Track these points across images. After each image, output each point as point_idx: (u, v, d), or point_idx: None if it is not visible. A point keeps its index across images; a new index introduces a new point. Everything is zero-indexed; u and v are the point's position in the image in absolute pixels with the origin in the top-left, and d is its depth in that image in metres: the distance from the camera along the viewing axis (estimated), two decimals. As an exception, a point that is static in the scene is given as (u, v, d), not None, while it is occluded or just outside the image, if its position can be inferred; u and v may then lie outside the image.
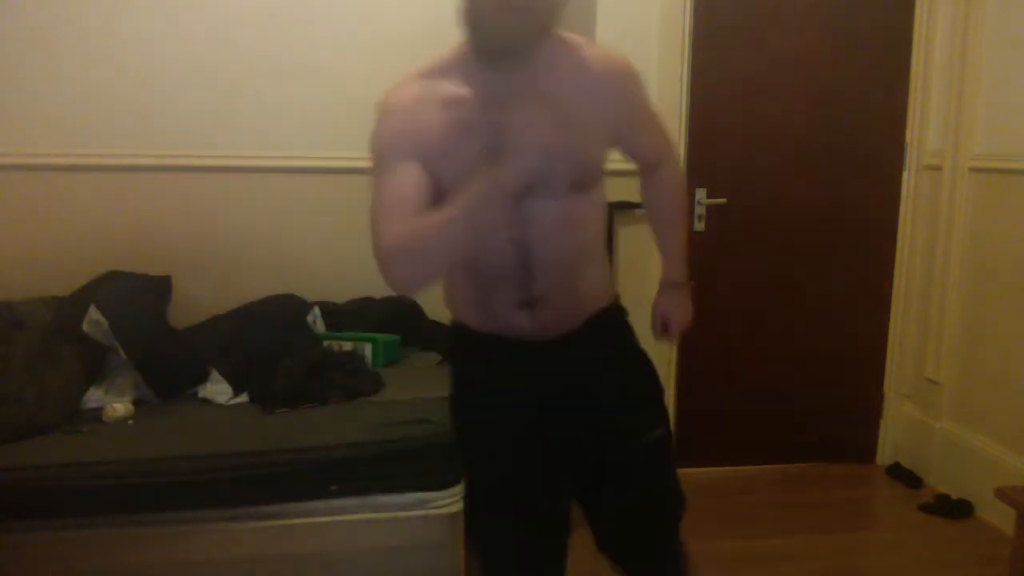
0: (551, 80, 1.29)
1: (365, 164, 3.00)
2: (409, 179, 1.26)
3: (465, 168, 1.23)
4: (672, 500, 1.51)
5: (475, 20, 1.24)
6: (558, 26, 1.29)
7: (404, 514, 2.04)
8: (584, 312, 1.42)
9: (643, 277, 1.61)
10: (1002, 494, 1.90)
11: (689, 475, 1.65)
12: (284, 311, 2.64)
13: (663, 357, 2.80)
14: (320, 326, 2.68)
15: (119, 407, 2.21)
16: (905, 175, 3.03)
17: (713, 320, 3.05)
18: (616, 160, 1.44)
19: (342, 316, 2.72)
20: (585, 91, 1.31)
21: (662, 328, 1.60)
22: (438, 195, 1.27)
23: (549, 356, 1.41)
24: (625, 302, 1.54)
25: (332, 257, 2.80)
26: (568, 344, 1.41)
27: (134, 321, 2.36)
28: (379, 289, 2.81)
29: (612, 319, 1.48)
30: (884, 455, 3.19)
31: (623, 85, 1.37)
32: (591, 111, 1.32)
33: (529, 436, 1.43)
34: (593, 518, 1.50)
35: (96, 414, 2.21)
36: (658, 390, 1.53)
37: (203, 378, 2.39)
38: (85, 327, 2.30)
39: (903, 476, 3.03)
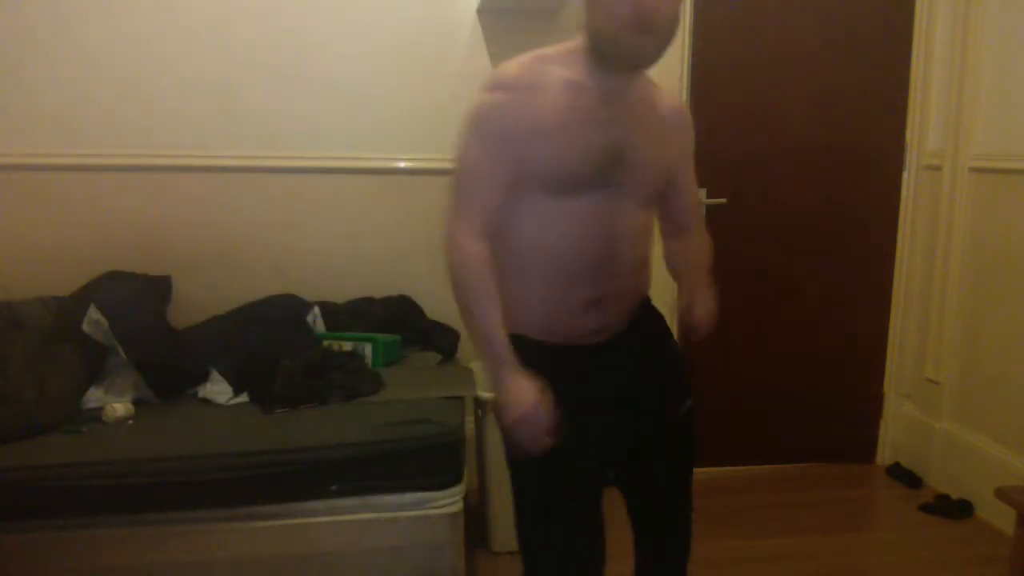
0: (647, 98, 1.42)
1: (365, 164, 3.00)
2: (499, 179, 1.32)
3: (580, 152, 1.31)
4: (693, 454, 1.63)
5: (607, 35, 1.29)
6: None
7: (404, 514, 2.04)
8: (633, 311, 1.52)
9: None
10: (1002, 494, 1.91)
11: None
12: (284, 311, 2.64)
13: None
14: (320, 326, 2.68)
15: (119, 407, 2.20)
16: (905, 175, 3.03)
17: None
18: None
19: (342, 316, 2.72)
20: (664, 116, 1.45)
21: (689, 327, 1.59)
22: (545, 171, 1.32)
23: (601, 357, 1.47)
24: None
25: (332, 257, 2.81)
26: (617, 343, 1.49)
27: (134, 321, 2.36)
28: (379, 289, 2.81)
29: (646, 311, 1.58)
30: (884, 455, 3.19)
31: (688, 121, 1.53)
32: (665, 135, 1.45)
33: (580, 439, 1.46)
34: (630, 487, 1.60)
35: (96, 414, 2.21)
36: (684, 362, 1.63)
37: (203, 378, 2.39)
38: (85, 327, 2.30)
39: (903, 476, 3.03)
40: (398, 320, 2.75)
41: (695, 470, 1.63)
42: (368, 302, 2.78)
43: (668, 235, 1.65)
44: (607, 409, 1.51)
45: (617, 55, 1.31)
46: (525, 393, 1.32)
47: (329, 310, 2.72)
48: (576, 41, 1.37)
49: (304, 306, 2.68)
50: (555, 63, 1.35)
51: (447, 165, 2.97)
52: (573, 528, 1.49)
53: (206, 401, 2.35)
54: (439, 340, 2.73)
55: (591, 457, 1.49)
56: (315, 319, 2.68)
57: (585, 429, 1.47)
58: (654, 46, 1.29)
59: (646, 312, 1.57)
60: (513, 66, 1.35)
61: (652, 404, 1.55)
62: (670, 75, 2.78)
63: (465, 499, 2.11)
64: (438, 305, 2.80)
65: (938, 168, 2.89)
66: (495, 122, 1.32)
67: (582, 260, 1.37)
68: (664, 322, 1.63)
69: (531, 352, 1.44)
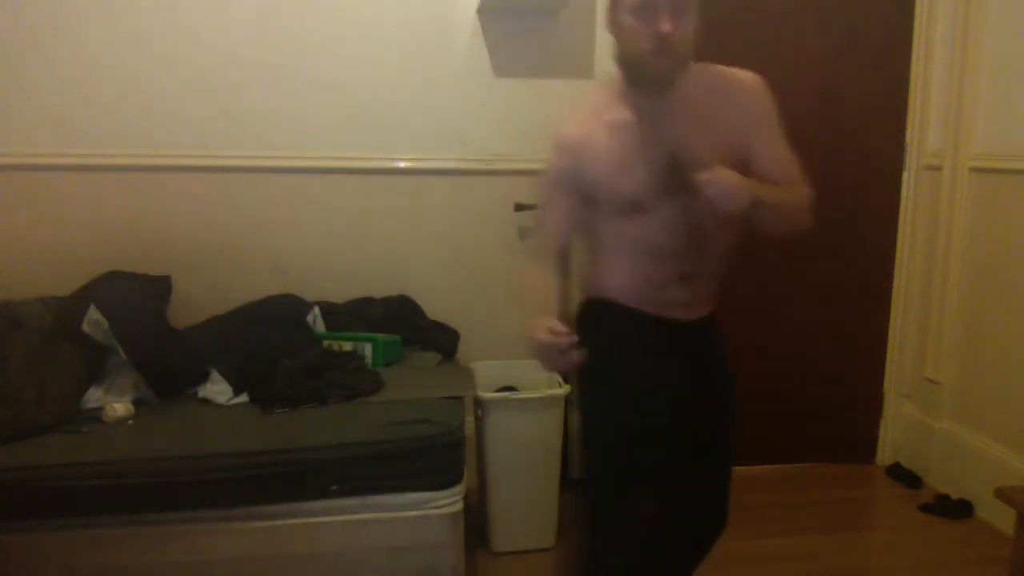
0: (693, 96, 1.51)
1: (365, 164, 3.00)
2: (564, 214, 1.55)
3: (637, 180, 1.47)
4: None
5: (631, 60, 1.46)
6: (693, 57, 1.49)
7: (404, 514, 2.04)
8: (711, 302, 1.66)
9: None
10: (1002, 494, 1.90)
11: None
12: (284, 311, 2.64)
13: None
14: (320, 326, 2.68)
15: (119, 407, 2.21)
16: (905, 175, 3.03)
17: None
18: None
19: (342, 316, 2.72)
20: (720, 99, 1.53)
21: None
22: (615, 202, 1.50)
23: (687, 335, 1.60)
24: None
25: (332, 257, 2.81)
26: (700, 328, 1.63)
27: (134, 321, 2.36)
28: (379, 289, 2.81)
29: (716, 331, 1.72)
30: (884, 455, 3.19)
31: (752, 92, 1.59)
32: (727, 116, 1.53)
33: (644, 416, 1.56)
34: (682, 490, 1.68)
35: (96, 414, 2.21)
36: (734, 386, 1.80)
37: (203, 378, 2.39)
38: (85, 327, 2.30)
39: (903, 476, 3.03)
40: (398, 320, 2.75)
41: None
42: (368, 302, 2.78)
43: None
44: (668, 391, 1.59)
45: (642, 77, 1.47)
46: (553, 324, 1.40)
47: (329, 310, 2.72)
48: (612, 75, 1.53)
49: (304, 306, 2.68)
50: (600, 112, 1.52)
51: (447, 165, 2.99)
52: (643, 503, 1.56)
53: (206, 401, 2.35)
54: (439, 340, 2.73)
55: (656, 433, 1.56)
56: (315, 319, 2.68)
57: (648, 403, 1.55)
58: (673, 67, 1.45)
59: (715, 332, 1.70)
60: (566, 127, 1.54)
61: (697, 420, 1.66)
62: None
63: (465, 499, 2.11)
64: (438, 305, 2.80)
65: (938, 168, 2.89)
66: (555, 182, 1.56)
67: (672, 251, 1.53)
68: (725, 346, 1.74)
69: (618, 312, 1.58)
